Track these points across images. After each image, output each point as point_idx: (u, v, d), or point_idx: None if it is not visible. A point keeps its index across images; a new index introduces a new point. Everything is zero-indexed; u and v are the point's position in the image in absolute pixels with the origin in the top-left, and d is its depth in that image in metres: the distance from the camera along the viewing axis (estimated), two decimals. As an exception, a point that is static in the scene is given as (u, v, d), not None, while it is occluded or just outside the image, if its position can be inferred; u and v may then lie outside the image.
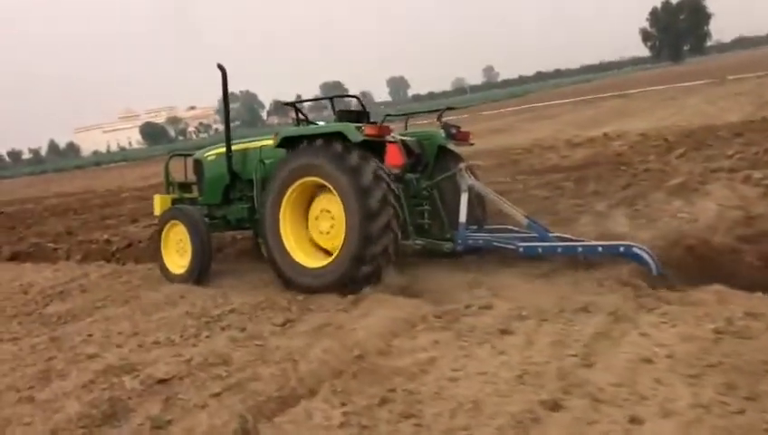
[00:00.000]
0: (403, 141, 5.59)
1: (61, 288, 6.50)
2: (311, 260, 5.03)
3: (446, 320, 3.86)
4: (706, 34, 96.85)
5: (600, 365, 2.95)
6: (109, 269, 7.25)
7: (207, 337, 4.17)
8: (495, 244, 5.03)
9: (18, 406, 3.47)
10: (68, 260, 8.35)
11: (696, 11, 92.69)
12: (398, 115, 6.97)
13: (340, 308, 4.40)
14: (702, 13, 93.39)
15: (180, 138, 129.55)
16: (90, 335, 4.63)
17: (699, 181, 6.37)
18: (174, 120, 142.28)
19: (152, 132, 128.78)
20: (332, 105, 6.09)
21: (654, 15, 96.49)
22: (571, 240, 4.85)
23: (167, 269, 6.10)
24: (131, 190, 18.09)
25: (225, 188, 6.24)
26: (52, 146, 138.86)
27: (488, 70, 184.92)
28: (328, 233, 5.02)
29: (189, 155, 7.02)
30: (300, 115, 5.76)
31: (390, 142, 5.25)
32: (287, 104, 5.98)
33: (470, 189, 5.25)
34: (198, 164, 6.62)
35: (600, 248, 4.55)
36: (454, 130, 5.82)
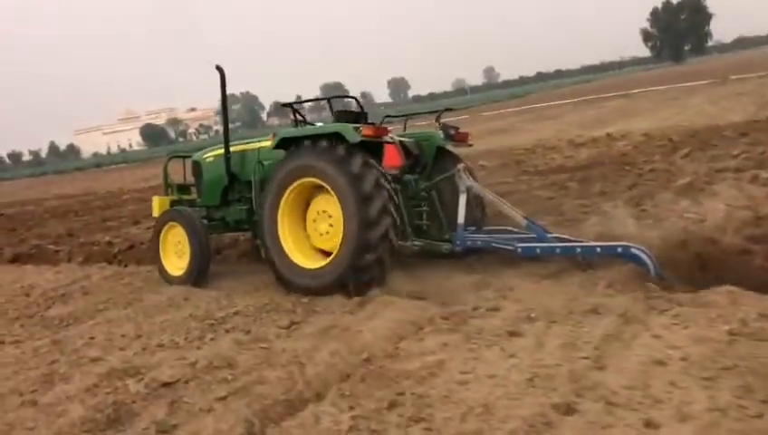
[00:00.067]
0: (401, 142, 5.57)
1: (62, 290, 6.45)
2: (309, 261, 5.02)
3: (454, 322, 3.81)
4: (707, 35, 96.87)
5: (613, 368, 2.91)
6: (110, 271, 7.21)
7: (212, 340, 4.12)
8: (494, 245, 5.01)
9: (21, 410, 3.42)
10: (69, 262, 8.30)
11: (696, 11, 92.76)
12: (398, 116, 6.95)
13: (345, 310, 4.36)
14: (703, 13, 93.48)
15: (181, 139, 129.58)
16: (92, 338, 4.59)
17: (706, 181, 6.32)
18: (174, 122, 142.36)
19: (152, 134, 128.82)
20: (330, 106, 6.07)
21: (655, 16, 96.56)
22: (570, 241, 4.83)
23: (165, 271, 6.08)
24: (132, 192, 18.07)
25: (224, 190, 6.22)
26: (53, 148, 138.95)
27: (488, 70, 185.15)
28: (327, 233, 5.00)
29: (188, 156, 6.99)
30: (298, 116, 5.76)
31: (388, 143, 5.22)
32: (285, 105, 5.97)
33: (468, 190, 5.24)
34: (197, 166, 6.60)
35: (598, 249, 4.52)
36: (452, 131, 5.80)
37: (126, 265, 7.54)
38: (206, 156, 6.52)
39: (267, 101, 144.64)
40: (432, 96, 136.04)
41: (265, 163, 5.62)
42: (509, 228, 5.31)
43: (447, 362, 3.23)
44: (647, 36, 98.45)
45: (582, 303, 3.83)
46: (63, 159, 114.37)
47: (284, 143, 5.19)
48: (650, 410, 2.49)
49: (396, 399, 2.90)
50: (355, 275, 4.65)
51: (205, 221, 6.21)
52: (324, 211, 5.01)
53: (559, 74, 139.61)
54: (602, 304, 3.74)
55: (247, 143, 6.20)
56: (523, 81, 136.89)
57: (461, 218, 5.13)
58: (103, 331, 4.72)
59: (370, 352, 3.50)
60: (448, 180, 5.43)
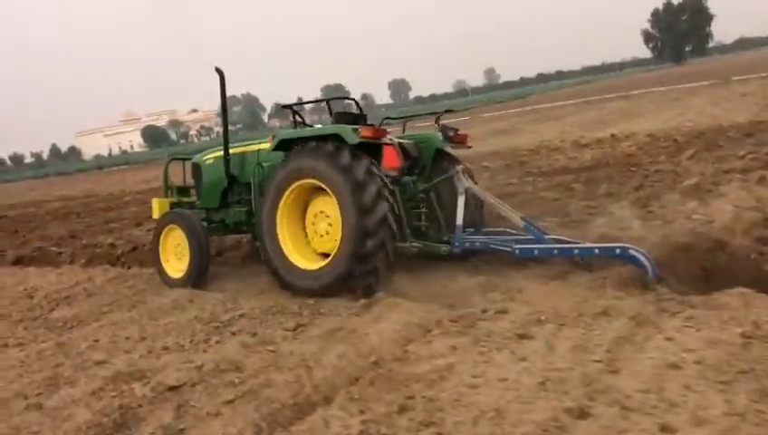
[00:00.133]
0: (400, 144, 5.57)
1: (66, 293, 6.43)
2: (308, 263, 5.02)
3: (462, 325, 3.77)
4: (708, 36, 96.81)
5: (626, 371, 2.87)
6: (114, 273, 7.18)
7: (218, 342, 4.09)
8: (492, 246, 5.01)
9: (26, 414, 3.40)
10: (72, 264, 8.26)
11: (697, 12, 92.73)
12: (397, 118, 6.94)
13: (351, 312, 4.32)
14: (704, 14, 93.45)
15: (182, 141, 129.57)
16: (96, 341, 4.56)
17: (713, 182, 6.29)
18: (175, 124, 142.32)
19: (154, 135, 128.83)
20: (329, 108, 6.08)
21: (656, 16, 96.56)
22: (568, 242, 4.82)
23: (165, 273, 6.07)
24: (134, 194, 18.06)
25: (223, 192, 6.22)
26: (54, 150, 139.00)
27: (489, 71, 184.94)
28: (327, 234, 4.99)
29: (188, 159, 6.99)
30: (297, 118, 5.76)
31: (387, 144, 5.22)
32: (285, 107, 6.00)
33: (467, 192, 5.25)
34: (196, 168, 6.60)
35: (596, 250, 4.50)
36: (451, 133, 5.80)
37: (129, 267, 7.51)
38: (205, 158, 6.52)
39: (268, 103, 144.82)
40: (433, 97, 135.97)
41: (265, 165, 5.62)
42: (508, 230, 5.30)
43: (457, 366, 3.19)
44: (648, 37, 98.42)
45: (592, 305, 3.79)
46: (65, 161, 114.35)
47: (283, 145, 5.21)
48: (666, 414, 2.45)
49: (406, 403, 2.87)
50: (357, 266, 4.63)
51: (204, 223, 6.21)
52: (322, 212, 5.03)
53: (559, 75, 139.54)
54: (613, 306, 3.70)
55: (247, 145, 6.21)
56: (523, 82, 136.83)
57: (459, 220, 5.13)
58: (108, 333, 4.69)
59: (378, 355, 3.46)
60: (447, 182, 5.44)
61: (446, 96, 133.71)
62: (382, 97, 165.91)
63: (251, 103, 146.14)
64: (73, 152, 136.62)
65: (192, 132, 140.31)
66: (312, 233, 5.14)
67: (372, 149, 4.98)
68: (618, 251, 4.32)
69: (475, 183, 5.63)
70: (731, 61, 66.40)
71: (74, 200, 19.95)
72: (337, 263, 4.73)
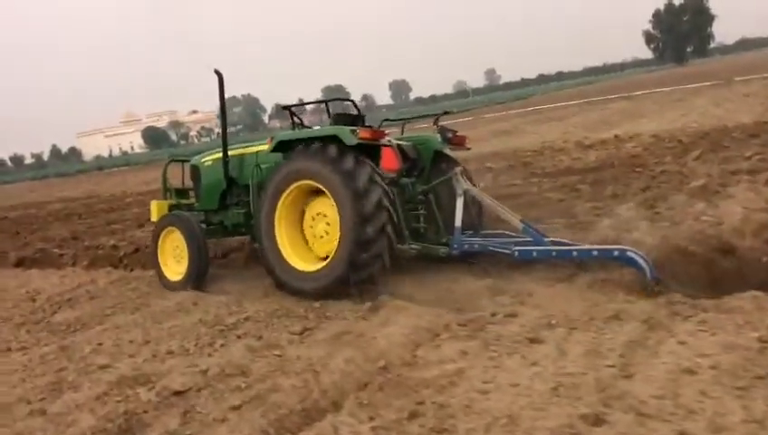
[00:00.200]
0: (399, 145, 5.54)
1: (68, 295, 6.39)
2: (307, 264, 5.01)
3: (471, 329, 3.72)
4: (710, 36, 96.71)
5: (640, 376, 2.81)
6: (117, 275, 7.14)
7: (223, 346, 4.05)
8: (491, 248, 4.99)
9: (30, 419, 3.36)
10: (74, 266, 8.23)
11: (699, 13, 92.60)
12: (396, 120, 6.91)
13: (358, 316, 4.28)
14: (705, 14, 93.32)
15: (182, 142, 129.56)
16: (100, 344, 4.52)
17: (720, 183, 6.22)
18: (176, 125, 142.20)
19: (154, 136, 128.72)
20: (328, 109, 6.07)
21: (657, 17, 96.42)
22: (566, 244, 4.79)
23: (164, 276, 6.04)
24: (135, 195, 18.00)
25: (222, 194, 6.21)
26: (55, 150, 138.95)
27: (490, 72, 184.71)
28: (327, 234, 4.97)
29: (186, 161, 6.97)
30: (295, 119, 5.76)
31: (386, 146, 5.20)
32: (284, 108, 5.98)
33: (465, 194, 5.23)
34: (195, 170, 6.58)
35: (594, 252, 4.48)
36: (450, 135, 5.78)
37: (132, 270, 7.47)
38: (204, 160, 6.51)
39: (269, 104, 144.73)
40: (434, 98, 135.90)
41: (263, 167, 5.61)
42: (506, 232, 5.28)
43: (467, 371, 3.14)
44: (649, 38, 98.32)
45: (603, 309, 3.74)
46: (65, 162, 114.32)
47: (282, 146, 5.21)
48: (684, 421, 2.40)
49: (416, 409, 2.82)
50: (354, 273, 4.64)
51: (203, 225, 6.19)
52: (322, 214, 5.02)
53: (560, 76, 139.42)
54: (624, 309, 3.65)
55: (245, 147, 6.20)
56: (524, 82, 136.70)
57: (458, 222, 5.12)
58: (111, 337, 4.65)
59: (387, 360, 3.41)
60: (446, 184, 5.43)
61: (446, 97, 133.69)
62: (383, 98, 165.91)
63: (251, 104, 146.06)
64: (74, 153, 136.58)
65: (192, 133, 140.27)
66: (310, 235, 5.13)
67: (371, 151, 4.98)
68: (616, 253, 4.31)
69: (474, 185, 5.61)
70: (732, 61, 66.31)
71: (75, 201, 19.91)
72: (334, 266, 4.72)
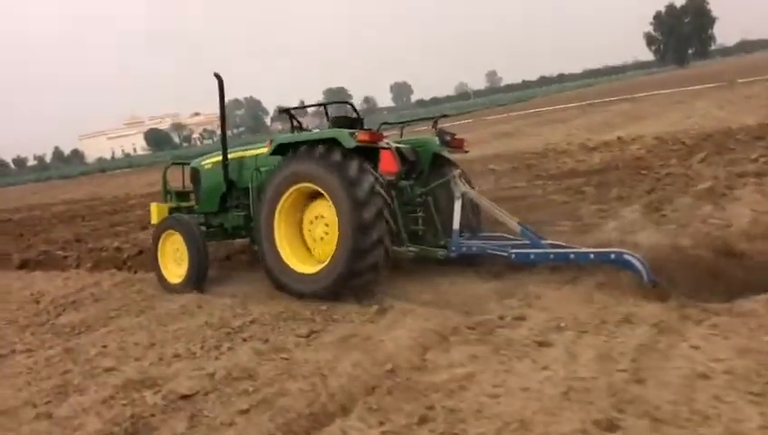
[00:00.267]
0: (397, 148, 5.53)
1: (73, 297, 6.36)
2: (305, 266, 5.02)
3: (480, 332, 3.69)
4: (711, 38, 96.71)
5: (653, 381, 2.79)
6: (121, 277, 7.11)
7: (229, 349, 4.02)
8: (489, 251, 4.97)
9: (36, 423, 3.33)
10: (78, 268, 8.20)
11: (700, 14, 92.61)
12: (395, 123, 6.92)
13: (365, 319, 4.25)
14: (706, 16, 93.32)
15: (185, 144, 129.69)
16: (105, 347, 4.49)
17: (726, 186, 6.20)
18: (178, 127, 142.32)
19: (157, 139, 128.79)
20: (326, 112, 6.06)
21: (658, 19, 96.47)
22: (563, 247, 4.78)
23: (164, 278, 6.03)
24: (138, 197, 17.99)
25: (222, 197, 6.22)
26: (57, 153, 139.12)
27: (491, 74, 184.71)
28: (327, 235, 4.97)
29: (187, 163, 6.97)
30: (294, 122, 5.77)
31: (384, 149, 5.20)
32: (283, 111, 6.00)
33: (464, 196, 5.23)
34: (195, 172, 6.59)
35: (591, 255, 4.46)
36: (448, 138, 5.77)
37: (136, 272, 7.44)
38: (204, 163, 6.52)
39: (271, 106, 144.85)
40: (435, 100, 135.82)
41: (263, 169, 5.62)
42: (504, 235, 5.26)
43: (477, 375, 3.11)
44: (650, 40, 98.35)
45: (612, 312, 3.71)
46: (68, 164, 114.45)
47: (281, 149, 5.23)
48: (700, 427, 2.37)
49: (426, 413, 2.79)
50: (350, 280, 4.67)
51: (203, 228, 6.19)
52: (318, 216, 5.03)
53: (561, 78, 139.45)
54: (634, 313, 3.62)
55: (245, 150, 6.21)
56: (525, 85, 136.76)
57: (456, 224, 5.11)
58: (116, 339, 4.63)
59: (395, 364, 3.38)
60: (444, 186, 5.42)
61: (447, 99, 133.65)
62: (384, 100, 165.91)
63: (253, 107, 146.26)
64: (76, 155, 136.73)
65: (195, 135, 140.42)
66: (309, 238, 5.14)
67: (370, 154, 4.99)
68: (613, 256, 4.29)
69: (473, 187, 5.60)
70: (734, 63, 66.28)
71: (79, 203, 19.91)
72: (335, 263, 4.72)
